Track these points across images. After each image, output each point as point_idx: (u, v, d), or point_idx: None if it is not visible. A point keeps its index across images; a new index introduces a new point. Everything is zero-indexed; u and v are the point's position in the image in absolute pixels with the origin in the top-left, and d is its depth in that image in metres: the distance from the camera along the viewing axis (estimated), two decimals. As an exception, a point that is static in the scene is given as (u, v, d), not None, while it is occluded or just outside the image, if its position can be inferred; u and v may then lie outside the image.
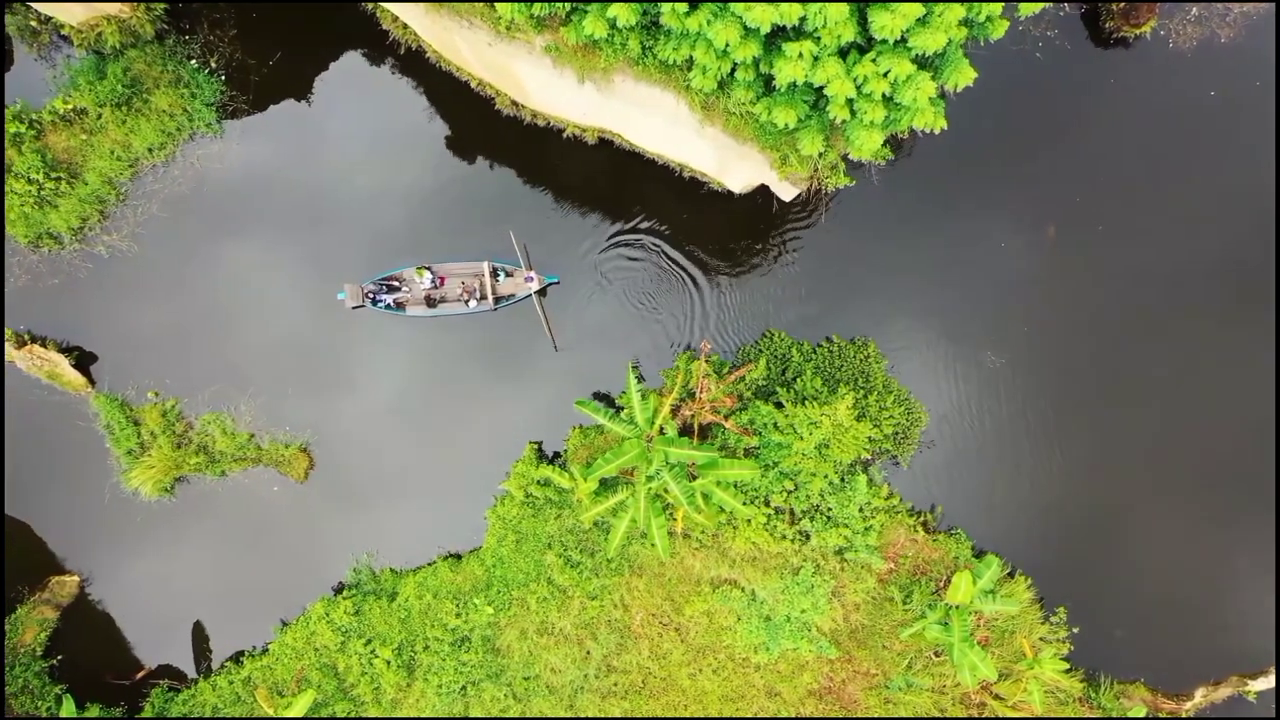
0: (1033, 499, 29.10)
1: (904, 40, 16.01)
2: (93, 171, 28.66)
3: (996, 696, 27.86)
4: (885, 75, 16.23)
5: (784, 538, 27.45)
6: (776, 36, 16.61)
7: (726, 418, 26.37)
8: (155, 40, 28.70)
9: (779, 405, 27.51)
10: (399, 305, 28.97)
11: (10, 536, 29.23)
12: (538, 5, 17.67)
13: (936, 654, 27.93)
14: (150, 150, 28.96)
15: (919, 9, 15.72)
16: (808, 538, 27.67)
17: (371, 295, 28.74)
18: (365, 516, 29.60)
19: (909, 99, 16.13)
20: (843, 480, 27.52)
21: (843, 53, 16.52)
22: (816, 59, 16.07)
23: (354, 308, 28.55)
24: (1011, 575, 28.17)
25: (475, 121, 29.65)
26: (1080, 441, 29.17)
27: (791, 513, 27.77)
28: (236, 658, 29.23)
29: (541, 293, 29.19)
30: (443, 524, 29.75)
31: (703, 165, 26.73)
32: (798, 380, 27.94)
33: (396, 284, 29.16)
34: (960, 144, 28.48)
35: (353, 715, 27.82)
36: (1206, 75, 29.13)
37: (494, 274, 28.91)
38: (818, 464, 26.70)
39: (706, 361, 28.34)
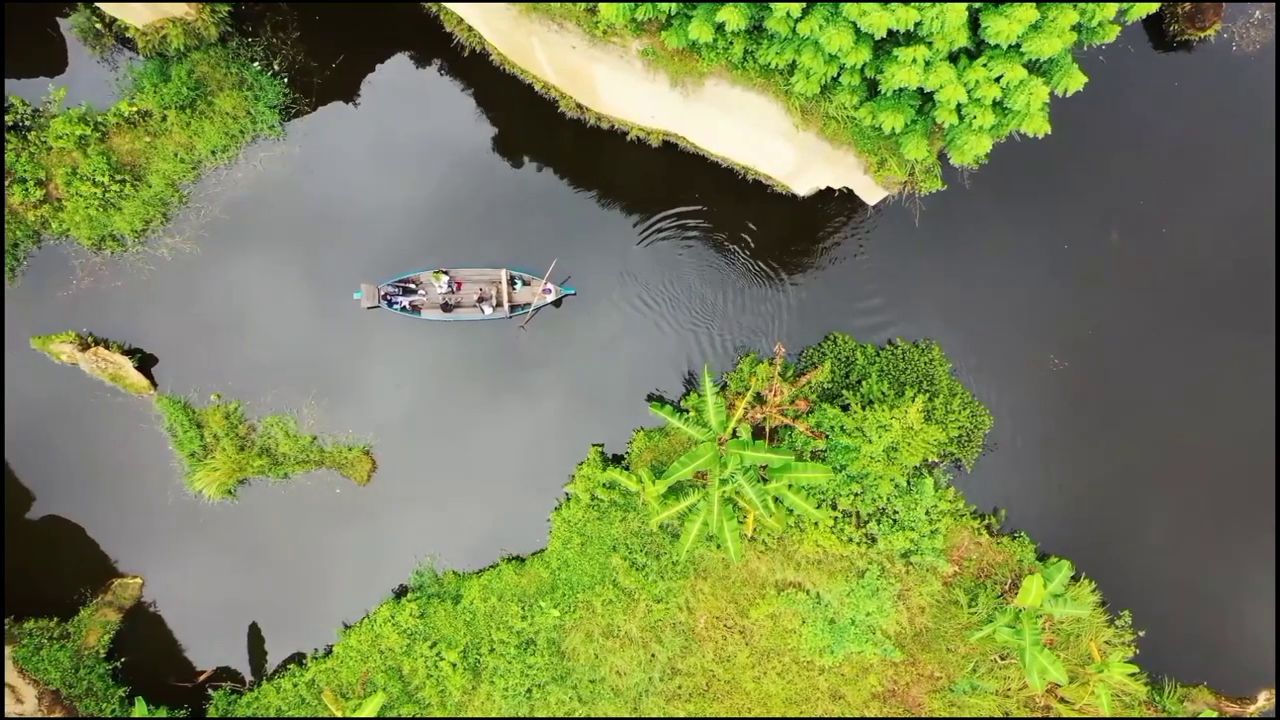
0: (1095, 502, 29.12)
1: (1017, 45, 16.01)
2: (156, 174, 28.64)
3: (1062, 700, 27.85)
4: (997, 80, 16.24)
5: (850, 541, 27.45)
6: (886, 41, 16.61)
7: (795, 419, 26.35)
8: (219, 43, 28.65)
9: (844, 408, 27.51)
10: (414, 308, 28.95)
11: (71, 539, 29.26)
12: (642, 8, 17.66)
13: (1001, 657, 27.92)
14: (213, 153, 28.92)
15: (1033, 14, 15.70)
16: (874, 540, 27.65)
17: (388, 297, 28.72)
18: (425, 519, 29.59)
19: (1021, 104, 16.12)
20: (909, 484, 27.50)
21: (951, 57, 16.51)
22: (928, 64, 16.06)
23: (369, 308, 28.46)
24: (1076, 579, 28.14)
25: (536, 124, 29.58)
26: (1142, 445, 29.17)
27: (857, 516, 27.76)
28: (299, 660, 29.23)
29: (556, 304, 29.06)
30: (502, 527, 29.73)
31: (772, 168, 26.70)
32: (863, 383, 27.93)
33: (413, 286, 29.14)
34: (1022, 146, 28.37)
35: (421, 717, 27.80)
36: (1270, 78, 29.08)
37: (511, 282, 28.86)
38: (886, 467, 26.68)
39: (772, 364, 28.39)
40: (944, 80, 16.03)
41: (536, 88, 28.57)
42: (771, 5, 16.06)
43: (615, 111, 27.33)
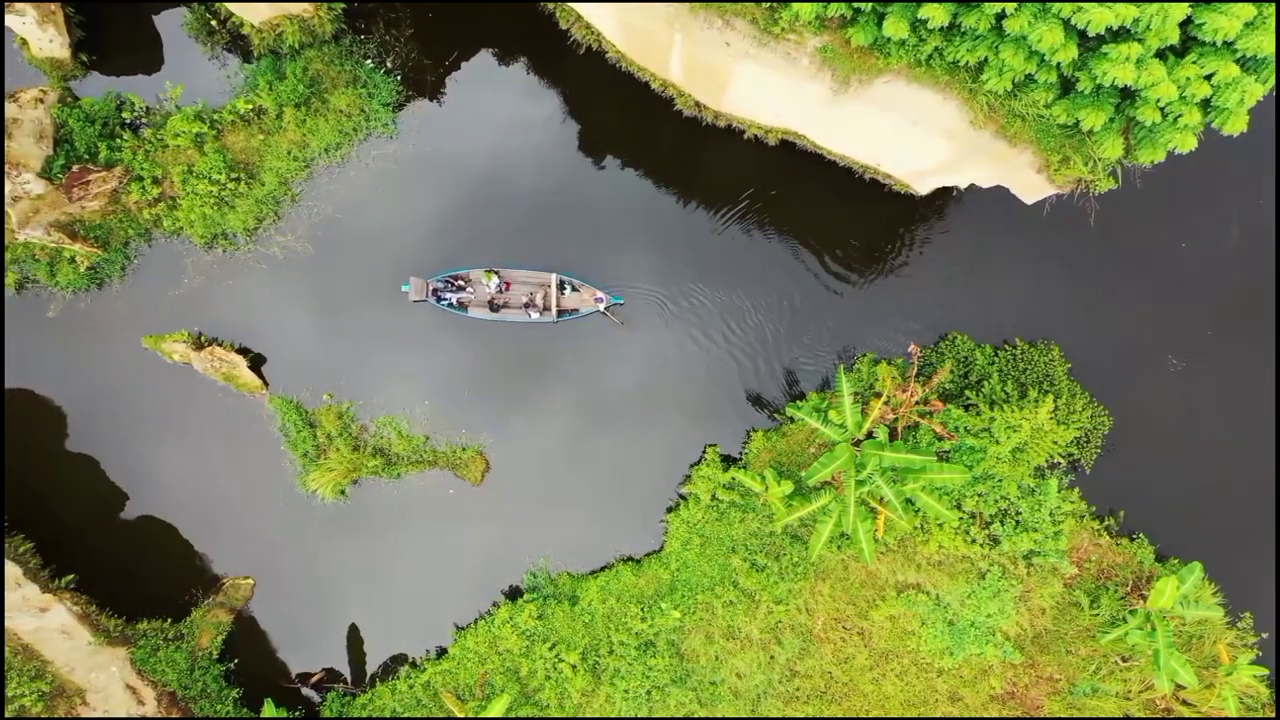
0: (1212, 502, 28.89)
1: (1229, 43, 15.83)
2: (270, 172, 28.46)
3: (1185, 702, 27.68)
4: (1208, 78, 16.07)
5: (974, 542, 27.26)
6: (1089, 38, 16.43)
7: (924, 417, 26.17)
8: (332, 40, 28.49)
9: (966, 408, 27.32)
10: (462, 305, 28.81)
11: (182, 539, 29.14)
12: (834, 5, 17.47)
13: (1123, 659, 27.73)
14: (326, 150, 28.75)
15: (1251, 10, 15.52)
16: (997, 542, 27.46)
17: (437, 292, 28.56)
18: (534, 520, 29.38)
19: (1233, 102, 15.94)
20: (1033, 485, 27.31)
21: (1157, 55, 16.34)
22: (1139, 61, 15.89)
23: (415, 301, 28.25)
24: (1197, 580, 27.95)
25: (646, 122, 29.44)
26: (1256, 445, 28.94)
27: (980, 517, 27.58)
28: (411, 662, 29.07)
29: (607, 309, 28.95)
30: (610, 529, 29.53)
31: (897, 166, 26.52)
32: (984, 384, 27.74)
33: (462, 284, 28.97)
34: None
35: (545, 717, 27.63)
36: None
37: (560, 286, 28.72)
38: (1011, 468, 26.52)
39: (892, 364, 28.22)
40: (1156, 78, 15.86)
41: (653, 85, 28.31)
42: (983, 4, 15.89)
43: (738, 110, 27.11)
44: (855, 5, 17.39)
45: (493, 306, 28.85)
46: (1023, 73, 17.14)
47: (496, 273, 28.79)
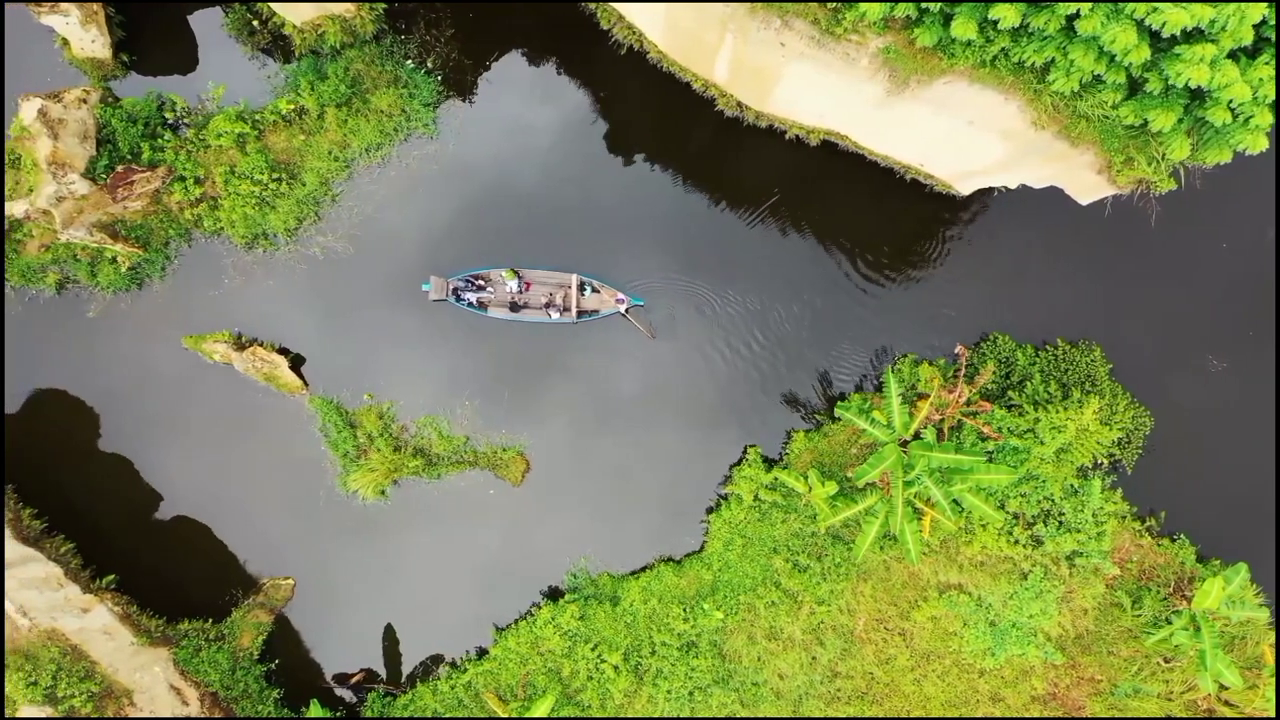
0: (1254, 503, 28.87)
1: (1303, 43, 15.85)
2: (311, 172, 28.46)
3: (1228, 703, 27.65)
4: (1280, 79, 16.09)
5: (1017, 543, 27.24)
6: (1161, 39, 16.42)
7: (969, 418, 26.16)
8: (373, 40, 28.49)
9: (1009, 408, 27.30)
10: (482, 305, 28.78)
11: (221, 540, 29.12)
12: (900, 7, 17.46)
13: (1165, 659, 27.71)
14: (367, 151, 28.74)
15: (1326, 11, 15.54)
16: (1040, 542, 27.43)
17: (456, 291, 28.52)
18: (571, 521, 29.37)
19: (1307, 103, 15.97)
20: (1075, 486, 27.28)
21: (1229, 55, 16.33)
22: (1213, 62, 15.87)
23: (435, 300, 28.23)
24: (1237, 581, 27.89)
25: (685, 122, 29.42)
26: (1299, 446, 28.92)
27: (1023, 517, 27.55)
28: (450, 662, 29.06)
29: (626, 312, 28.92)
30: (647, 529, 29.49)
31: (940, 167, 26.51)
32: (1026, 384, 27.71)
33: (482, 283, 28.94)
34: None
35: (588, 717, 27.61)
36: None
37: (580, 288, 28.69)
38: (1055, 469, 26.50)
39: (933, 365, 28.21)
40: (1230, 79, 15.85)
41: (694, 86, 28.31)
42: (1054, 5, 15.89)
43: (782, 111, 27.09)
44: (922, 5, 17.37)
45: (513, 306, 28.85)
46: (1091, 73, 17.12)
47: (517, 272, 28.77)
